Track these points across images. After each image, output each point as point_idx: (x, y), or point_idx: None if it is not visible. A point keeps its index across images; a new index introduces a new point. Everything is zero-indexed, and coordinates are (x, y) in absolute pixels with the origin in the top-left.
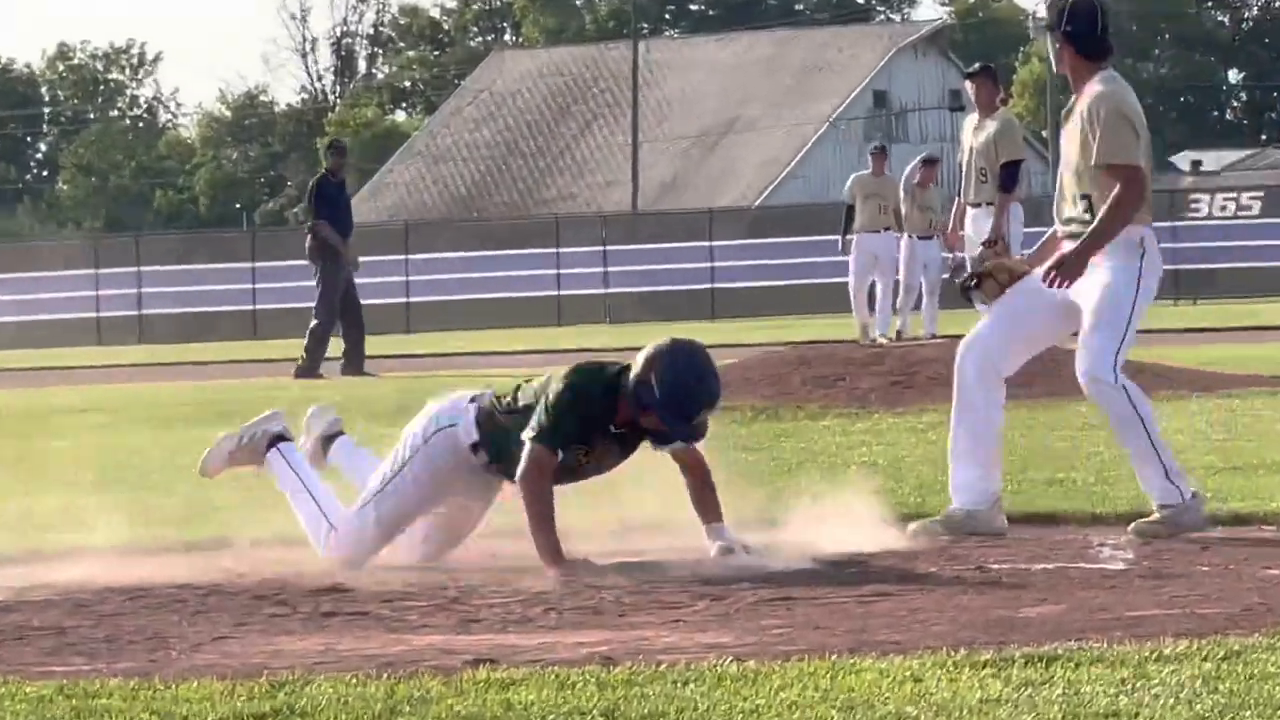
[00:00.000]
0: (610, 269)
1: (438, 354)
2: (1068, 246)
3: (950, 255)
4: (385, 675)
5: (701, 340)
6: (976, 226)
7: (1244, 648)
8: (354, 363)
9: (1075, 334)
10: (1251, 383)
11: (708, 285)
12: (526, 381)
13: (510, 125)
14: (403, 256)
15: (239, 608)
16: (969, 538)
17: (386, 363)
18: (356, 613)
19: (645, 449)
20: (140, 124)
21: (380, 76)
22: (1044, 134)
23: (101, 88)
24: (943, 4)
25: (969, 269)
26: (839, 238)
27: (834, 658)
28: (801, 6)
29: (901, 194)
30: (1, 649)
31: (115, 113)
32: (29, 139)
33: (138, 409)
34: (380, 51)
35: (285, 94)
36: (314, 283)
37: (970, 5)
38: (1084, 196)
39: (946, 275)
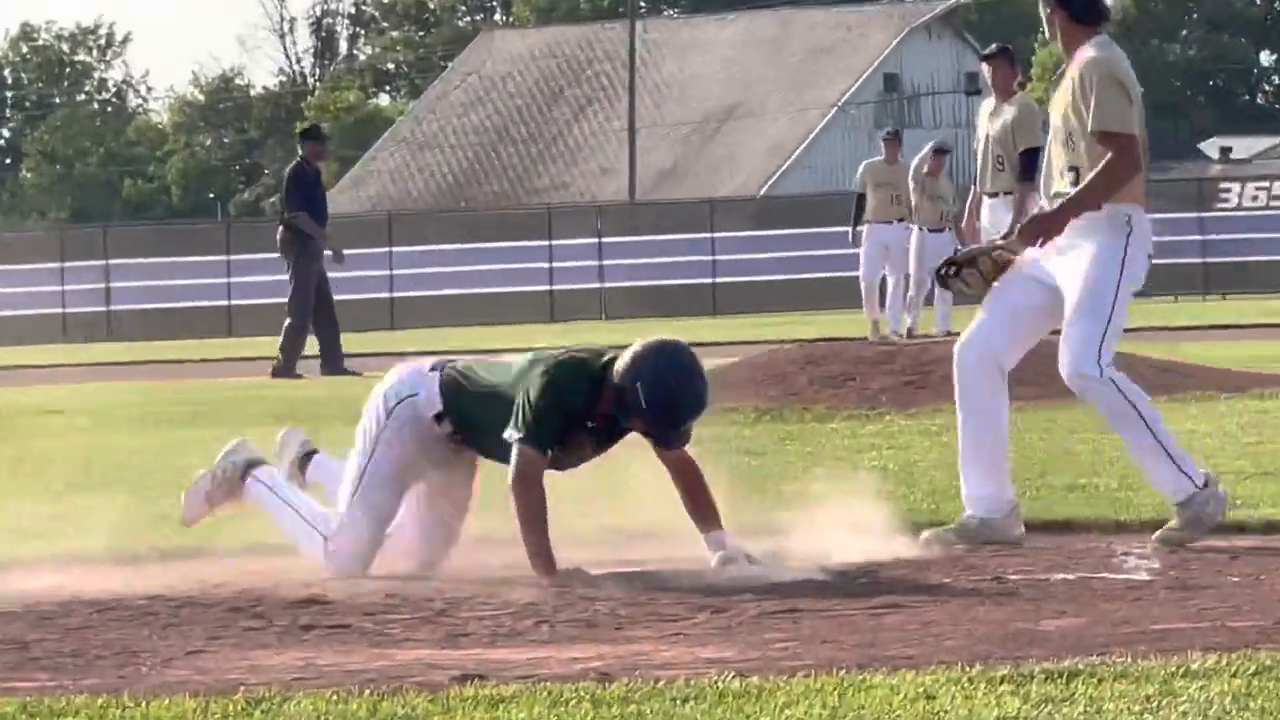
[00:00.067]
0: (606, 262)
1: (424, 352)
2: (1073, 224)
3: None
4: (368, 692)
5: (702, 338)
6: (994, 217)
7: (1276, 663)
8: (332, 362)
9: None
10: None
11: (709, 280)
12: (486, 368)
13: (500, 110)
14: (386, 249)
15: (213, 620)
16: (985, 547)
17: (370, 361)
18: (337, 626)
19: (642, 450)
20: (108, 109)
21: (362, 58)
22: None
23: (67, 70)
24: None
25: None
26: (849, 229)
27: (842, 673)
28: None
29: (910, 184)
30: None
31: (82, 97)
32: None
33: (106, 410)
34: (362, 32)
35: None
36: (286, 277)
37: None
38: (1071, 169)
39: None
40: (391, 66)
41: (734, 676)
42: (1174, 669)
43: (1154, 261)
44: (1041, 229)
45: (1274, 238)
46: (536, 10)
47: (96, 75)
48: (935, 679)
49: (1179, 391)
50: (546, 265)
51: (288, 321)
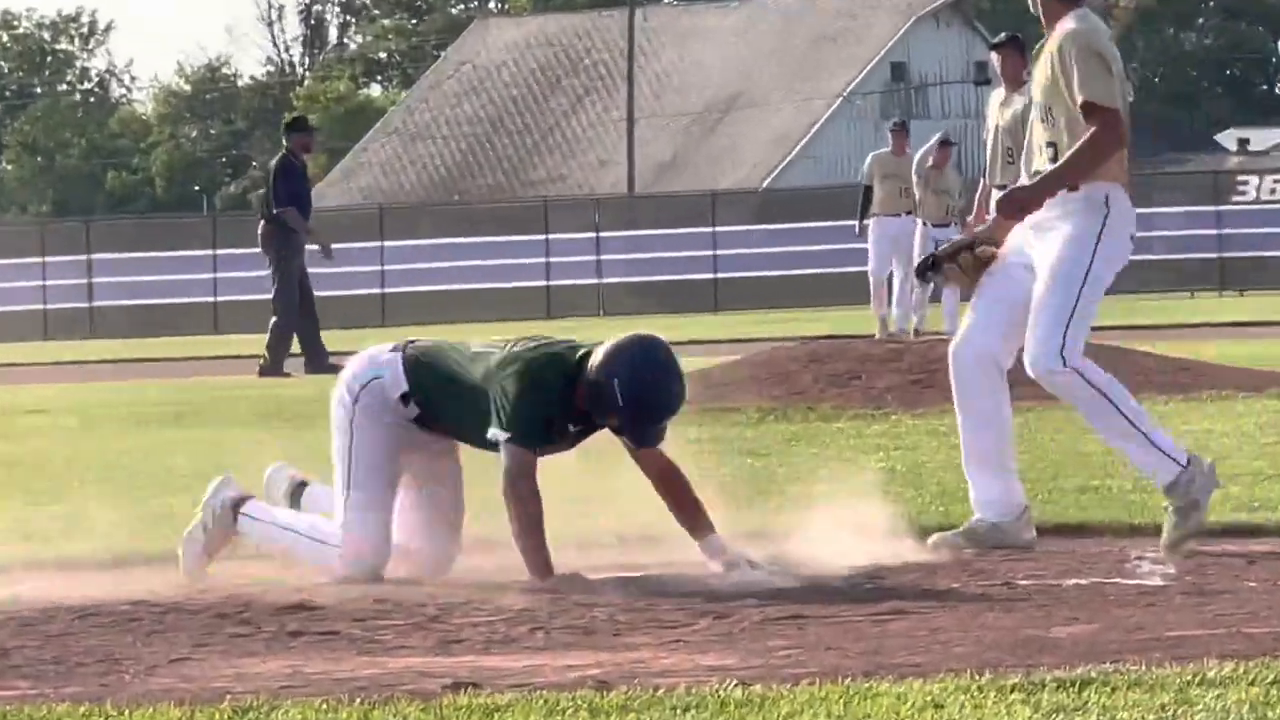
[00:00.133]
0: (604, 257)
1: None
2: (1047, 202)
3: None
4: (358, 700)
5: (703, 335)
6: None
7: None
8: (316, 360)
9: None
10: None
11: (710, 275)
12: (452, 347)
13: (495, 100)
14: (378, 244)
15: (199, 627)
16: (994, 551)
17: None
18: (326, 632)
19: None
20: (91, 99)
21: (353, 47)
22: None
23: (48, 59)
24: None
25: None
26: (855, 222)
27: (847, 681)
28: None
29: (914, 178)
30: None
31: (64, 87)
32: None
33: (89, 410)
34: (353, 20)
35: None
36: (268, 274)
37: None
38: (1050, 145)
39: None
40: (383, 55)
41: (736, 685)
42: (1190, 677)
43: (1169, 257)
44: (1018, 205)
45: None
46: None
47: (79, 64)
48: (943, 687)
49: (1195, 391)
50: (543, 260)
51: (274, 319)
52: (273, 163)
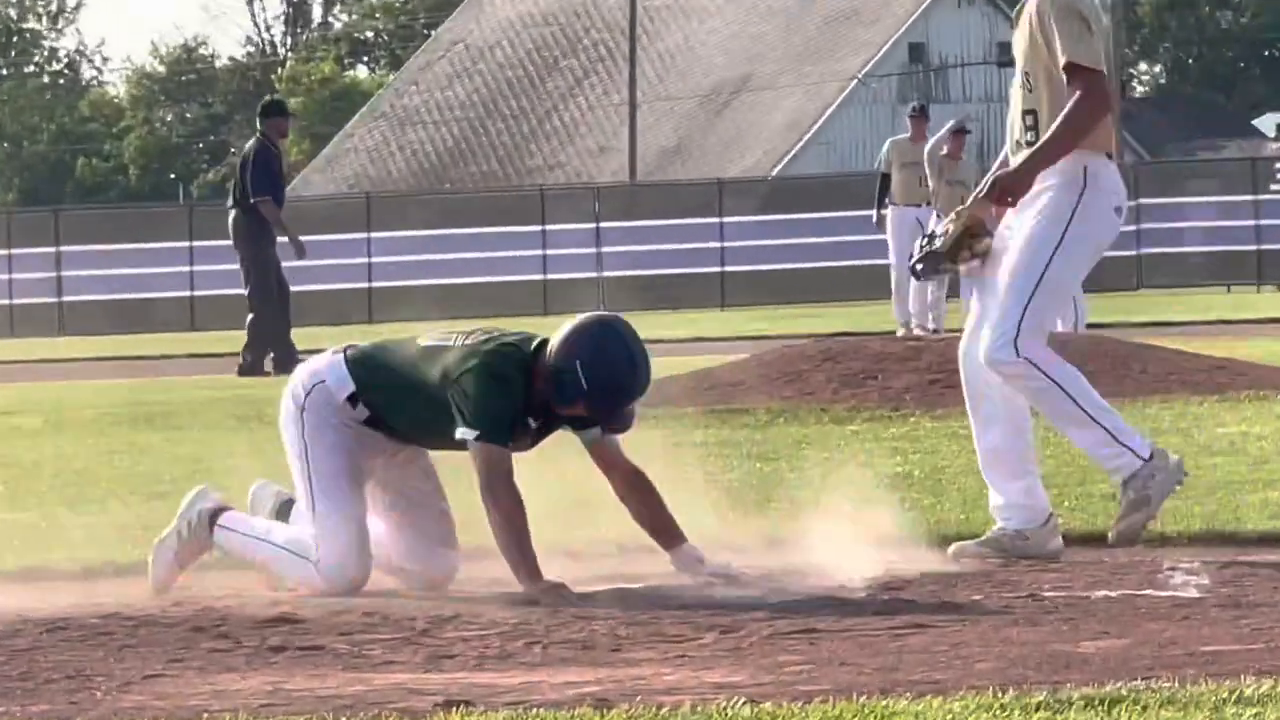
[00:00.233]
0: (604, 249)
1: None
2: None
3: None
4: (343, 719)
5: (710, 332)
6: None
7: None
8: (288, 359)
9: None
10: None
11: (716, 268)
12: (398, 344)
13: (488, 83)
14: (364, 234)
15: (174, 641)
16: (1019, 561)
17: None
18: (310, 647)
19: (641, 456)
20: (60, 81)
21: (338, 26)
22: None
23: (14, 40)
24: None
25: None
26: (872, 212)
27: (863, 699)
28: None
29: (927, 168)
30: None
31: (30, 68)
32: None
33: (58, 412)
34: None
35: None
36: (240, 268)
37: None
38: (1028, 112)
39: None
40: (370, 35)
41: (744, 702)
42: (1225, 694)
43: (1204, 249)
44: (1006, 191)
45: None
46: None
47: (46, 45)
48: (964, 705)
49: (1231, 390)
50: (539, 252)
51: (250, 316)
52: (247, 148)
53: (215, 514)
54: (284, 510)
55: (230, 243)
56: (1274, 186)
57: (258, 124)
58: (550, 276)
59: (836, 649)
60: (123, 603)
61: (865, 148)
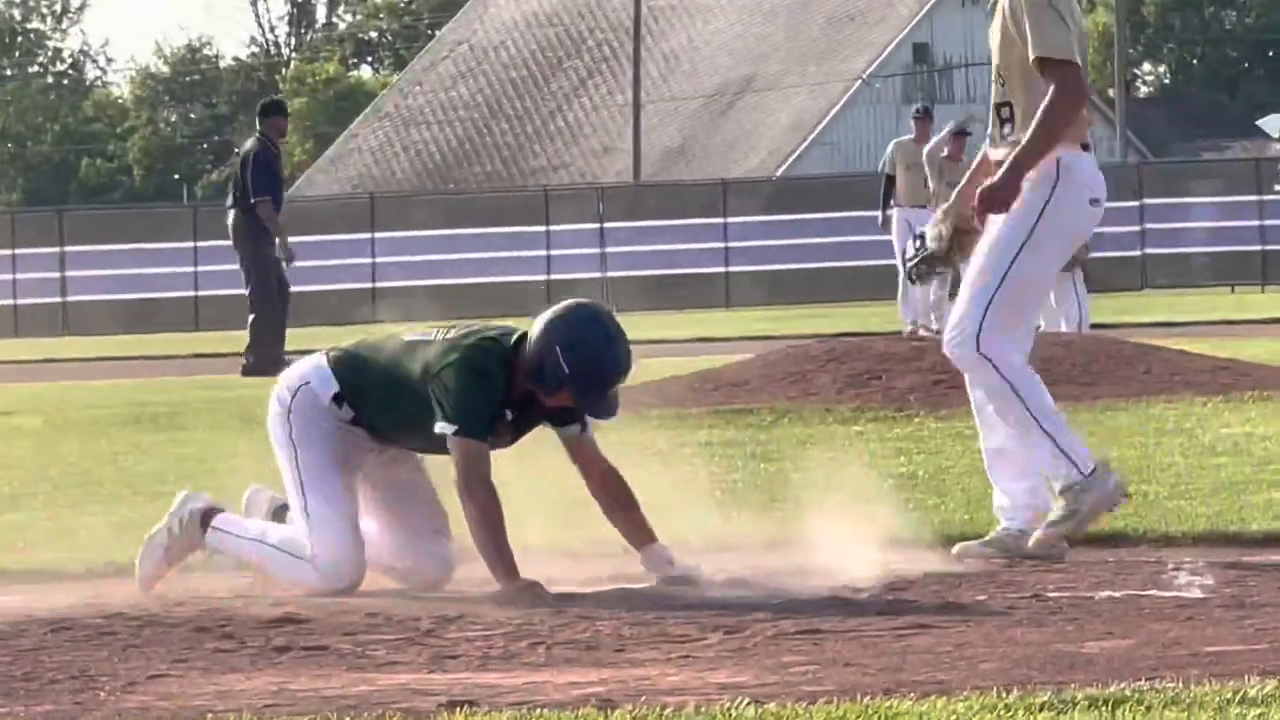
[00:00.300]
0: (608, 249)
1: None
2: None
3: None
4: (347, 719)
5: (714, 332)
6: None
7: None
8: (272, 360)
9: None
10: None
11: (721, 269)
12: (380, 342)
13: (493, 83)
14: (368, 235)
15: (178, 641)
16: (1023, 562)
17: None
18: (314, 647)
19: (642, 459)
20: (64, 82)
21: (342, 26)
22: (1111, 93)
23: (19, 40)
24: None
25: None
26: (877, 212)
27: (867, 700)
28: None
29: (927, 170)
30: None
31: (35, 69)
32: None
33: (63, 412)
34: None
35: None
36: (240, 268)
37: None
38: (1003, 105)
39: None
40: (374, 35)
41: (749, 703)
42: (1229, 695)
43: (1208, 250)
44: (998, 201)
45: None
46: None
47: (50, 45)
48: (969, 706)
49: (1235, 391)
50: (543, 253)
51: (252, 316)
52: (246, 147)
53: (208, 514)
54: (278, 515)
55: (230, 243)
56: (1278, 187)
57: (257, 124)
58: (554, 277)
59: (841, 649)
60: (127, 603)
61: (869, 148)
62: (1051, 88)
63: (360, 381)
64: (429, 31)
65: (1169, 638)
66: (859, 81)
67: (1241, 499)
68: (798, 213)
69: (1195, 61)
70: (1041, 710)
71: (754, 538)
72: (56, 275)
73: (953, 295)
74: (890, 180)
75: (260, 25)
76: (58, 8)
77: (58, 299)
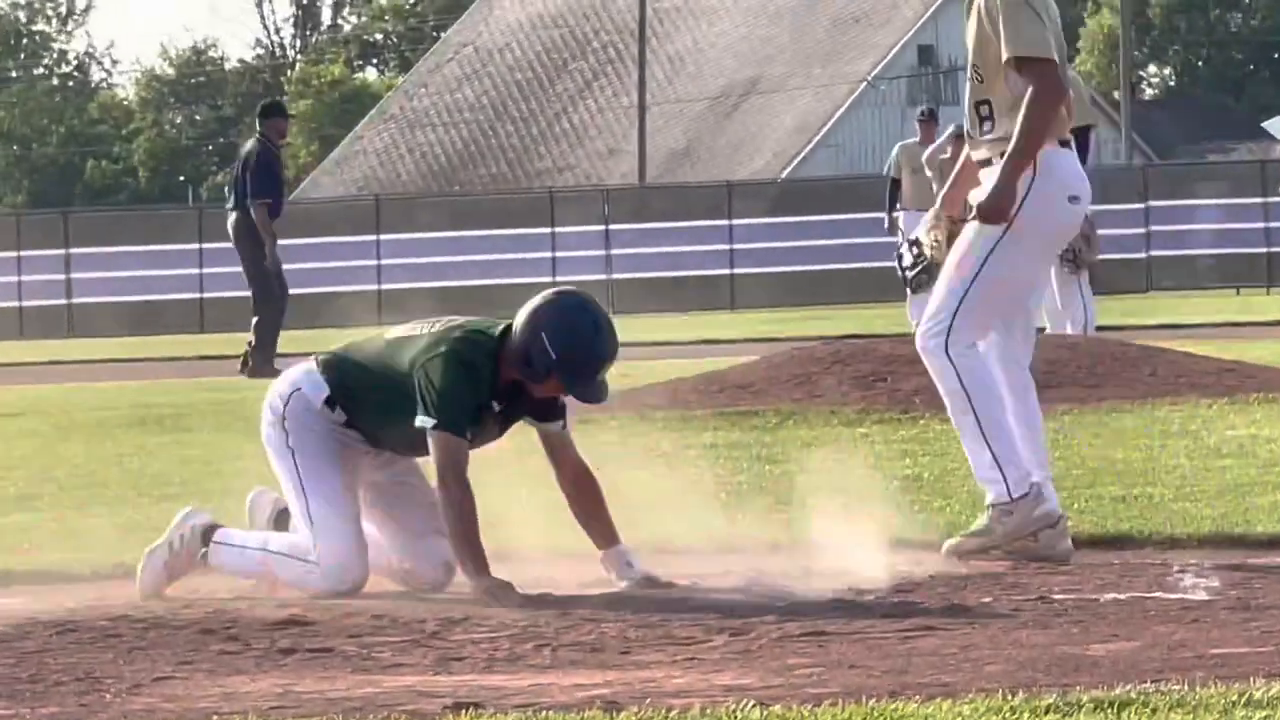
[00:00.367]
0: (613, 251)
1: None
2: (982, 173)
3: None
4: None
5: (719, 334)
6: None
7: None
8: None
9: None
10: None
11: (726, 270)
12: (366, 341)
13: (498, 85)
14: (373, 237)
15: (183, 643)
16: (1028, 564)
17: None
18: (319, 649)
19: (646, 460)
20: (69, 84)
21: (347, 28)
22: (1116, 95)
23: (24, 42)
24: None
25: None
26: (884, 216)
27: (872, 702)
28: None
29: (929, 172)
30: None
31: (40, 71)
32: None
33: (69, 414)
34: None
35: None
36: (241, 270)
37: None
38: (982, 102)
39: None
40: (379, 37)
41: (754, 705)
42: (1235, 697)
43: (1213, 252)
44: (993, 212)
45: None
46: None
47: (56, 47)
48: (974, 708)
49: (1240, 392)
50: (549, 255)
51: (256, 318)
52: (247, 149)
53: (209, 531)
54: (282, 518)
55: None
56: None
57: (257, 125)
58: (559, 278)
59: (846, 651)
60: (132, 605)
61: (875, 150)
62: (1030, 88)
63: (350, 383)
64: (434, 33)
65: (1174, 640)
66: (864, 83)
67: (1247, 501)
68: (803, 215)
69: (1201, 64)
70: (1047, 713)
71: (759, 540)
72: (61, 277)
73: None
74: (895, 184)
75: (265, 27)
76: (63, 9)
77: (63, 301)
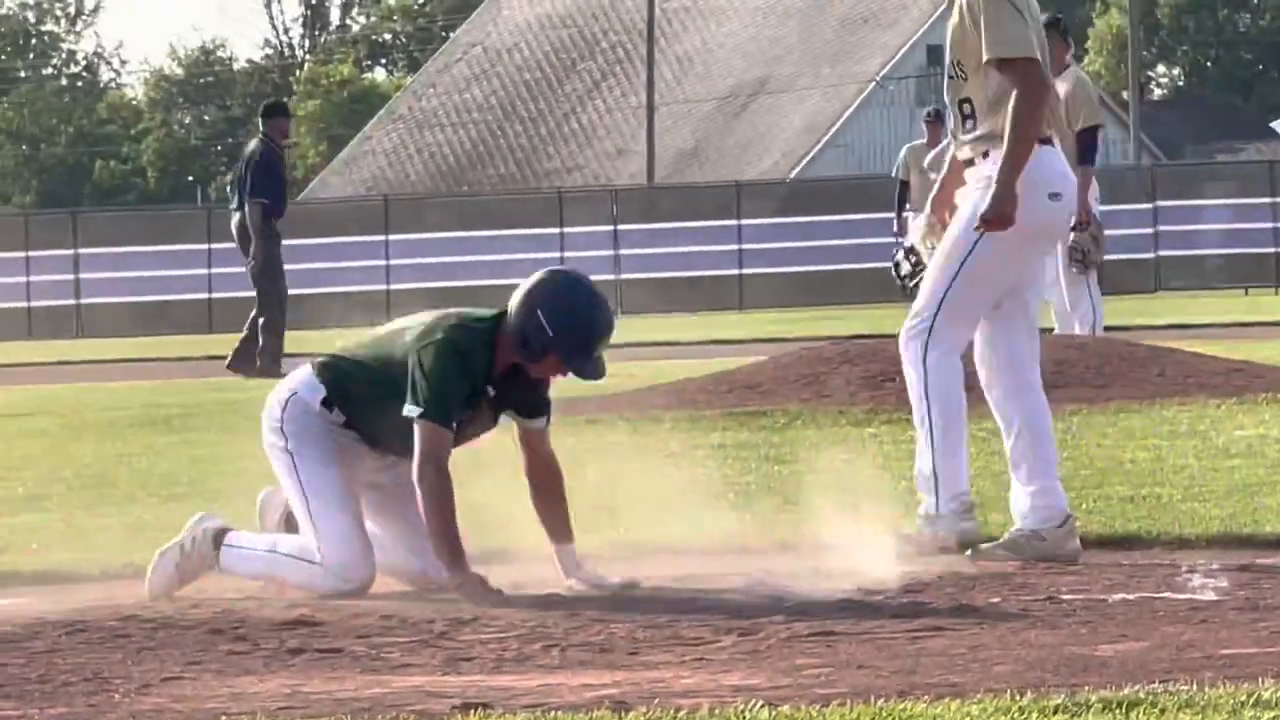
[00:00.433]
0: (622, 251)
1: None
2: (967, 173)
3: None
4: None
5: (728, 334)
6: None
7: None
8: (246, 360)
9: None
10: None
11: (734, 271)
12: (359, 339)
13: (506, 85)
14: (382, 237)
15: (192, 643)
16: (1037, 564)
17: None
18: (328, 650)
19: (653, 462)
20: (78, 84)
21: (356, 28)
22: (1125, 95)
23: (33, 42)
24: None
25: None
26: (892, 216)
27: (881, 702)
28: None
29: (932, 176)
30: None
31: (49, 71)
32: None
33: (79, 414)
34: None
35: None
36: (246, 270)
37: None
38: (965, 101)
39: None
40: (388, 37)
41: (762, 705)
42: (1244, 698)
43: (1222, 252)
44: (996, 219)
45: None
46: None
47: (65, 47)
48: (982, 708)
49: (1248, 393)
50: (557, 255)
51: (263, 318)
52: (250, 149)
53: (220, 534)
54: (293, 519)
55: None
56: None
57: (260, 125)
58: None
59: (854, 652)
60: (141, 605)
61: (883, 150)
62: (1016, 89)
63: (346, 383)
64: (443, 33)
65: (1183, 640)
66: (873, 84)
67: (1255, 501)
68: (811, 215)
69: (1209, 64)
70: (1055, 713)
71: (767, 540)
72: (70, 277)
73: None
74: (904, 185)
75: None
76: (72, 10)
77: (72, 301)
